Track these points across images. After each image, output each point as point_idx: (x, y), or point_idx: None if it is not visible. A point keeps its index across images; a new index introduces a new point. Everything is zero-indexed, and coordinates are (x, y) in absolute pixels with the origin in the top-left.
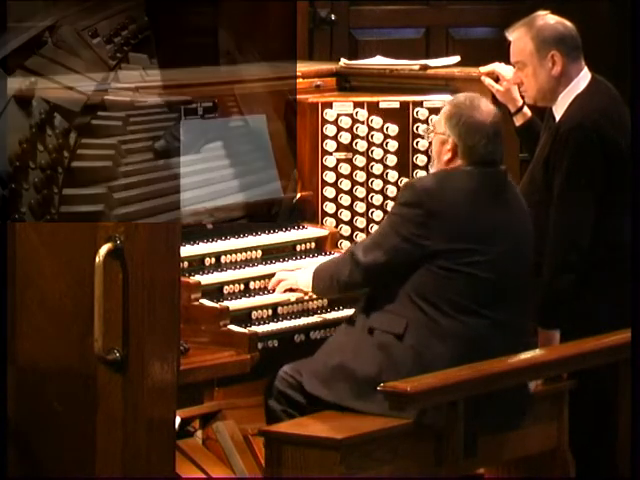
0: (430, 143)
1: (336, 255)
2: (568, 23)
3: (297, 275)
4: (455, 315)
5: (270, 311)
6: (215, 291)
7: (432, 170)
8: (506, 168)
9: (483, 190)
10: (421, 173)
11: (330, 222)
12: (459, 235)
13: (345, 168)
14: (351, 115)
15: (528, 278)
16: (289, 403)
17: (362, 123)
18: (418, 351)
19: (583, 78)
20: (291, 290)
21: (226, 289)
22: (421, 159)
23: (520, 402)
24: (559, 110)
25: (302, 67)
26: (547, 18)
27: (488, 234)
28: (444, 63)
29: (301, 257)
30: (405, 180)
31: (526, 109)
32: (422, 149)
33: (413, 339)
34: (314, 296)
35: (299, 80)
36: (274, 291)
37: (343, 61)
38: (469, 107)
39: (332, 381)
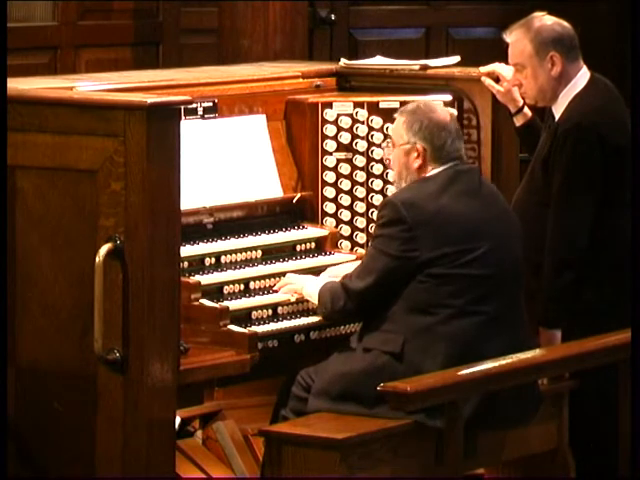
0: (389, 160)
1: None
2: (565, 23)
3: (305, 284)
4: (451, 318)
5: (270, 311)
6: (215, 291)
7: (399, 184)
8: (475, 165)
9: (461, 187)
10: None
11: (330, 222)
12: (447, 239)
13: (345, 168)
14: (351, 115)
15: (519, 270)
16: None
17: (362, 123)
18: (417, 365)
19: (582, 77)
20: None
21: (226, 289)
22: None
23: (531, 398)
24: (558, 109)
25: (302, 67)
26: (544, 19)
27: (474, 231)
28: (444, 63)
29: (301, 257)
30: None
31: (526, 109)
32: None
33: (411, 355)
34: None
35: (299, 80)
36: (279, 291)
37: (343, 61)
38: (426, 111)
39: (338, 404)
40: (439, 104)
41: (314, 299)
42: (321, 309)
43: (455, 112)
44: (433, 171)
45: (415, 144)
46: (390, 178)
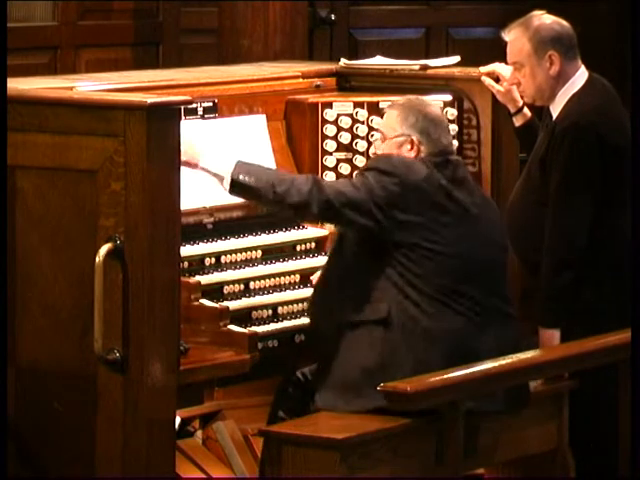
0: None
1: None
2: (564, 22)
3: (202, 151)
4: (436, 296)
5: (270, 311)
6: (215, 291)
7: None
8: (459, 158)
9: (444, 177)
10: None
11: None
12: (429, 207)
13: (345, 168)
14: (351, 115)
15: (502, 261)
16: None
17: (362, 123)
18: (408, 330)
19: (580, 76)
20: (187, 165)
21: (226, 289)
22: None
23: (519, 391)
24: (556, 109)
25: (302, 67)
26: (543, 18)
27: (456, 212)
28: (444, 63)
29: (301, 257)
30: None
31: (526, 109)
32: None
33: (396, 319)
34: None
35: (299, 80)
36: None
37: (343, 61)
38: (421, 104)
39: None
40: (429, 100)
41: (228, 175)
42: (244, 184)
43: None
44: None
45: (410, 136)
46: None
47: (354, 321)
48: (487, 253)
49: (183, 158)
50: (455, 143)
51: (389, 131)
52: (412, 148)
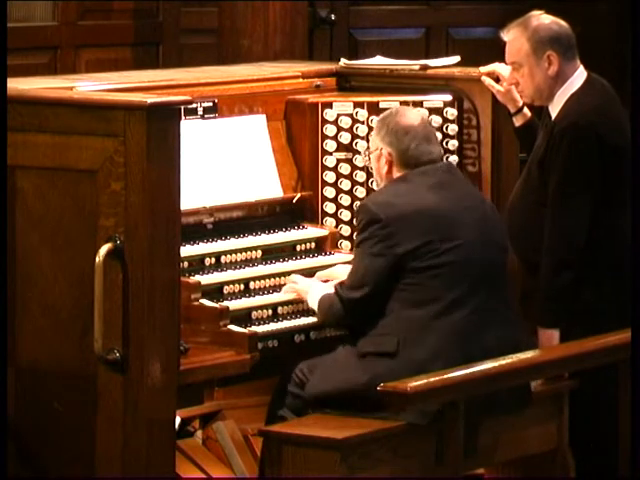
0: (370, 169)
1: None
2: (563, 22)
3: (309, 289)
4: (441, 312)
5: (270, 311)
6: (215, 291)
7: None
8: (450, 162)
9: (431, 180)
10: None
11: (330, 222)
12: (423, 229)
13: (345, 168)
14: (351, 115)
15: (502, 261)
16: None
17: (362, 123)
18: (411, 355)
19: (579, 77)
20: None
21: (226, 289)
22: None
23: (518, 390)
24: (555, 109)
25: (302, 67)
26: (542, 18)
27: (450, 222)
28: (444, 63)
29: (301, 257)
30: None
31: (526, 109)
32: None
33: (405, 349)
34: None
35: (299, 80)
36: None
37: (343, 61)
38: (393, 116)
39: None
40: (413, 110)
41: (315, 307)
42: (321, 316)
43: (426, 117)
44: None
45: (382, 149)
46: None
47: (362, 352)
48: (486, 255)
49: (297, 289)
50: (455, 143)
51: (371, 144)
52: (385, 162)
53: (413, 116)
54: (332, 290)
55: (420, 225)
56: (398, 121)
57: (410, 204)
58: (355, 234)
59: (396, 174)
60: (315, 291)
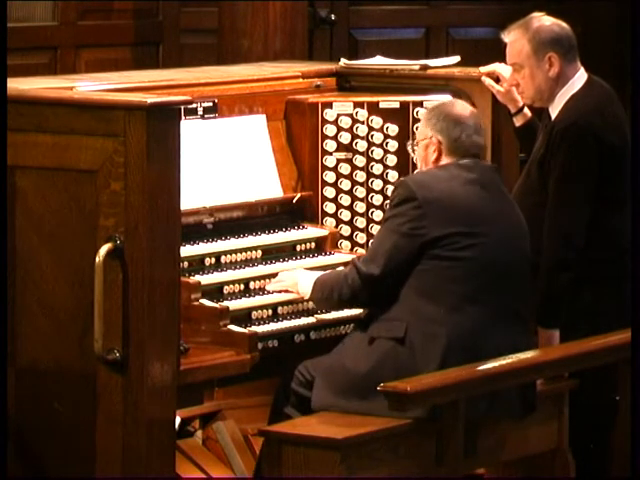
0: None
1: (339, 269)
2: (564, 24)
3: (298, 279)
4: (456, 306)
5: (270, 311)
6: (215, 291)
7: None
8: (496, 165)
9: (473, 176)
10: None
11: (330, 222)
12: (454, 219)
13: (345, 168)
14: (351, 115)
15: (525, 267)
16: (300, 401)
17: (362, 123)
18: (419, 347)
19: (579, 78)
20: (287, 292)
21: (226, 289)
22: None
23: (523, 393)
24: (555, 110)
25: (302, 67)
26: (543, 19)
27: (480, 217)
28: (444, 63)
29: (301, 257)
30: None
31: (526, 110)
32: None
33: (413, 337)
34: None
35: (299, 80)
36: (272, 292)
37: (343, 61)
38: (446, 105)
39: (341, 396)
40: (462, 102)
41: (309, 294)
42: (317, 298)
43: (475, 109)
44: (448, 163)
45: (432, 138)
46: None
47: (372, 336)
48: (507, 259)
49: (285, 285)
50: None
51: (419, 134)
52: (435, 149)
53: (464, 107)
54: (319, 274)
55: (451, 215)
56: (451, 110)
57: (447, 192)
58: (387, 208)
59: (444, 161)
60: (303, 280)
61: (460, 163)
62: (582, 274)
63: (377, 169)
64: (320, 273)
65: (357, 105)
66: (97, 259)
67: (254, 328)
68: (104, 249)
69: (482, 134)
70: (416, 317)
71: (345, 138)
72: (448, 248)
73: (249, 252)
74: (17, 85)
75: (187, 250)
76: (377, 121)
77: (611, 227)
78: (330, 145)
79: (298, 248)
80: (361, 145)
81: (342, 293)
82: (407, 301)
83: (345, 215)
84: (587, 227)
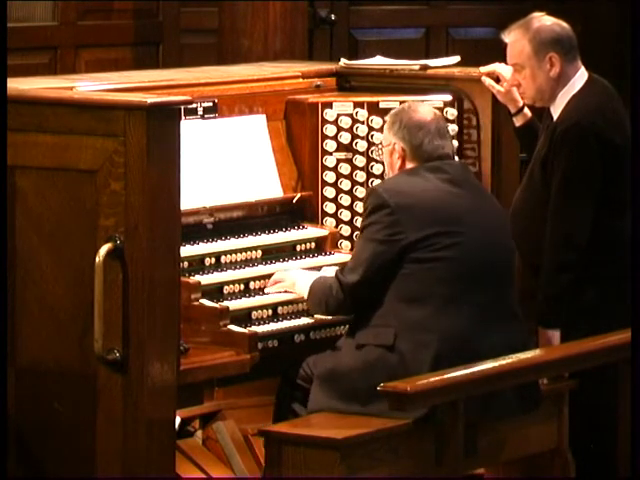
0: (383, 164)
1: (334, 269)
2: (564, 24)
3: (295, 279)
4: (443, 308)
5: (270, 311)
6: (215, 291)
7: None
8: (464, 162)
9: (444, 176)
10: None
11: (330, 222)
12: (430, 221)
13: (345, 168)
14: (351, 115)
15: (507, 263)
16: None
17: (362, 123)
18: (410, 355)
19: (580, 78)
20: (287, 292)
21: (226, 289)
22: None
23: (531, 393)
24: (557, 110)
25: (302, 67)
26: (543, 19)
27: (457, 216)
28: (444, 63)
29: (301, 257)
30: None
31: (526, 110)
32: None
33: (403, 345)
34: None
35: (299, 80)
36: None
37: (343, 61)
38: (407, 111)
39: (336, 401)
40: (425, 105)
41: (306, 296)
42: (314, 307)
43: (438, 112)
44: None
45: (395, 145)
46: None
47: (360, 343)
48: (489, 255)
49: (284, 286)
50: (455, 143)
51: (383, 139)
52: (399, 156)
53: (426, 111)
54: (314, 275)
55: (426, 216)
56: (411, 116)
57: (420, 195)
58: (361, 219)
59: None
60: (301, 282)
61: (427, 166)
62: (584, 274)
63: (377, 169)
64: (316, 274)
65: (357, 105)
66: (97, 259)
67: (254, 328)
68: (104, 249)
69: (447, 136)
70: (403, 323)
71: (345, 138)
72: (427, 250)
73: (249, 252)
74: (17, 85)
75: (187, 250)
76: (377, 121)
77: (613, 227)
78: (330, 145)
79: (298, 248)
80: (361, 145)
81: (328, 304)
82: (392, 307)
83: (345, 215)
84: (589, 227)
